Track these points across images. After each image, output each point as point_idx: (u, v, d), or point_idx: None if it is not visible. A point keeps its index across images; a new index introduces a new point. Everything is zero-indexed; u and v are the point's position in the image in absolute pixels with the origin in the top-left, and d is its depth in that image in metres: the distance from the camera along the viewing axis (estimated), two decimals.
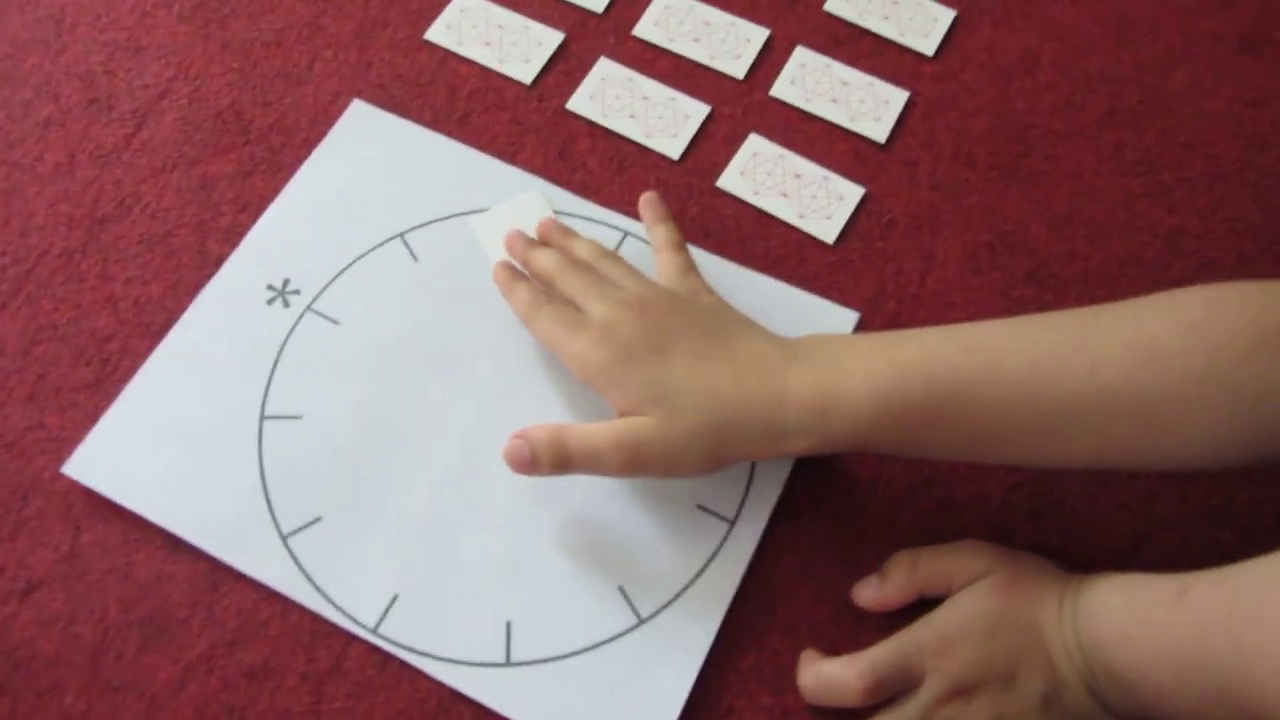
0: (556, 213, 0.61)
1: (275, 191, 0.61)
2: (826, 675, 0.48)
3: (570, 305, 0.52)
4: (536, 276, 0.55)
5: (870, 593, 0.51)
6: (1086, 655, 0.46)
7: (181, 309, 0.58)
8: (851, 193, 0.63)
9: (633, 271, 0.54)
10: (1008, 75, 0.68)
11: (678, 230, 0.57)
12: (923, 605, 0.51)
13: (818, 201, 0.62)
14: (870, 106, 0.66)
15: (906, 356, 0.47)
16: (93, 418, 0.54)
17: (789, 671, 0.50)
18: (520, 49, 0.67)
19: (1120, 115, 0.67)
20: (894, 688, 0.48)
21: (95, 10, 0.68)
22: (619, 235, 0.60)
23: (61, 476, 0.53)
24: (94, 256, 0.59)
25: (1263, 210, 0.64)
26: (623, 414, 0.48)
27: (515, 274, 0.56)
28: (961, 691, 0.47)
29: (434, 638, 0.50)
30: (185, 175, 0.62)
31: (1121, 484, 0.56)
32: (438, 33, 0.67)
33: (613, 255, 0.55)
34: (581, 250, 0.56)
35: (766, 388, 0.47)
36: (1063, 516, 0.55)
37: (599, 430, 0.48)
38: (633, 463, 0.48)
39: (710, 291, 0.54)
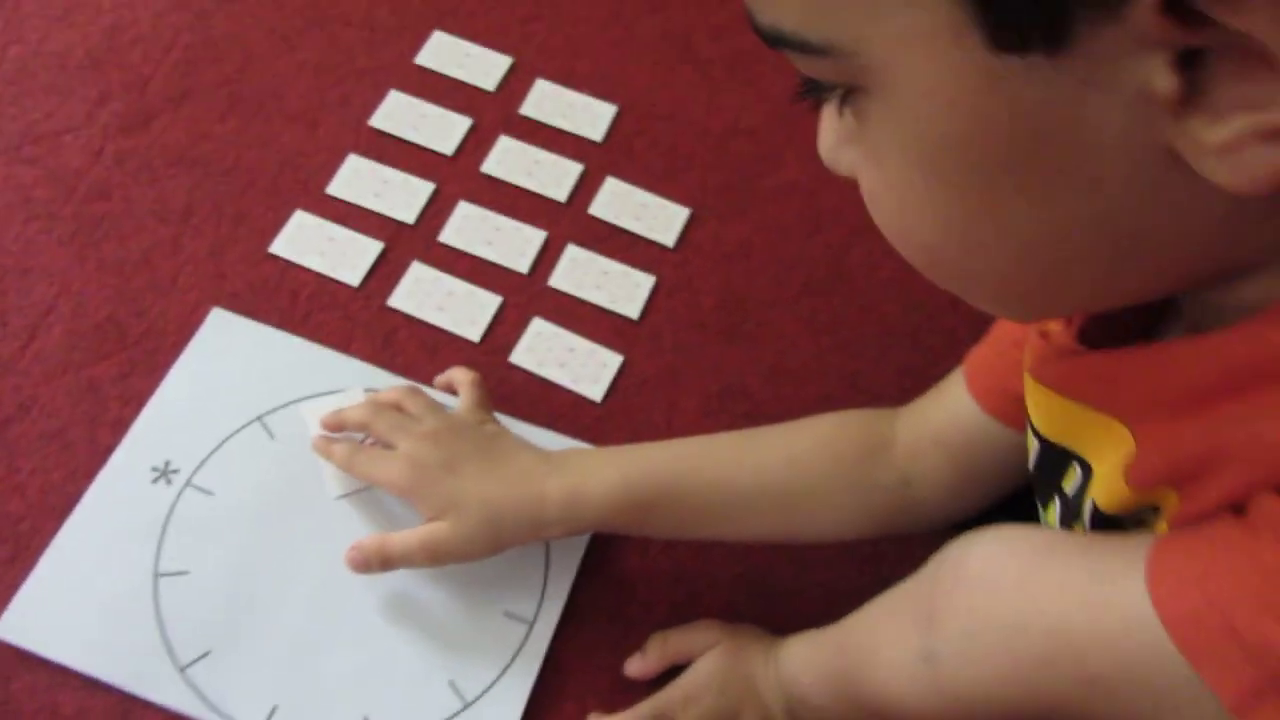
0: (369, 392, 0.78)
1: (153, 388, 0.76)
2: None
3: (377, 448, 0.70)
4: (352, 427, 0.73)
5: (636, 666, 0.70)
6: (785, 690, 0.65)
7: (80, 492, 0.72)
8: (613, 360, 0.83)
9: (432, 405, 0.73)
10: (730, 259, 0.90)
11: (472, 374, 0.76)
12: (675, 671, 0.69)
13: (587, 369, 0.82)
14: (626, 290, 0.86)
15: (632, 465, 0.68)
16: (12, 588, 0.68)
17: None
18: (348, 257, 0.84)
19: (814, 286, 0.90)
20: None
21: None
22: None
23: None
24: (1, 454, 0.73)
25: (920, 354, 0.88)
26: (429, 520, 0.67)
27: (328, 440, 0.73)
28: None
29: None
30: (74, 379, 0.76)
31: (817, 565, 0.76)
32: (280, 246, 0.84)
33: (414, 390, 0.74)
34: (387, 396, 0.74)
35: (531, 491, 0.67)
36: (774, 595, 0.75)
37: (409, 536, 0.67)
38: (435, 556, 0.67)
39: (494, 421, 0.74)
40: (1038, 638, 0.43)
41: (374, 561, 0.67)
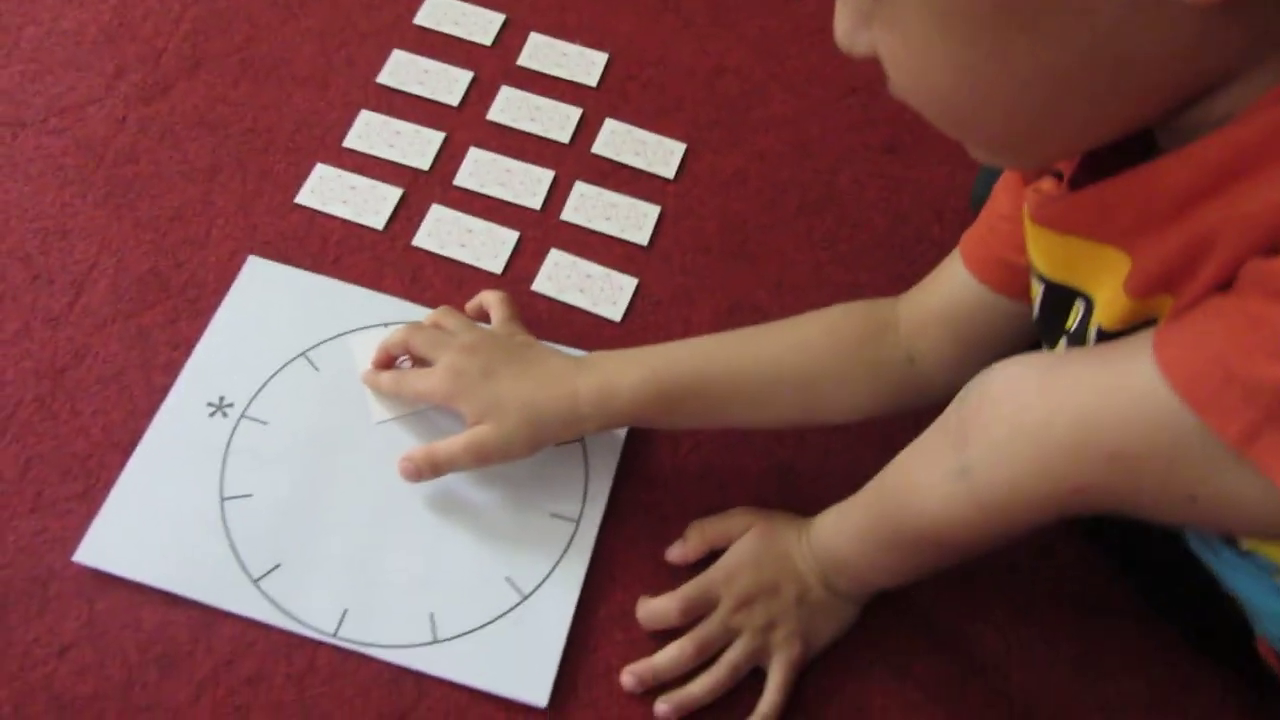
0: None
1: (200, 331, 0.80)
2: (654, 607, 0.72)
3: (418, 369, 0.76)
4: (394, 349, 0.78)
5: (677, 552, 0.75)
6: (818, 560, 0.71)
7: (141, 429, 0.76)
8: (628, 283, 0.88)
9: (466, 321, 0.78)
10: (727, 187, 0.95)
11: (500, 292, 0.81)
12: (713, 556, 0.75)
13: (605, 293, 0.87)
14: (634, 220, 0.91)
15: (657, 360, 0.73)
16: (88, 516, 0.72)
17: (631, 614, 0.73)
18: (371, 204, 0.89)
19: (808, 208, 0.95)
20: (700, 609, 0.71)
21: (23, 206, 0.85)
22: None
23: (72, 564, 0.70)
24: (62, 399, 0.77)
25: (909, 263, 0.93)
26: (471, 424, 0.72)
27: (374, 372, 0.78)
28: (744, 603, 0.71)
29: (378, 633, 0.70)
30: (124, 327, 0.80)
31: (837, 454, 0.82)
32: (305, 197, 0.89)
33: (448, 310, 0.79)
34: (426, 319, 0.79)
35: (564, 389, 0.72)
36: (798, 483, 0.80)
37: (454, 441, 0.72)
38: (479, 457, 0.72)
39: (524, 332, 0.79)
40: (1062, 430, 0.48)
41: (424, 468, 0.72)
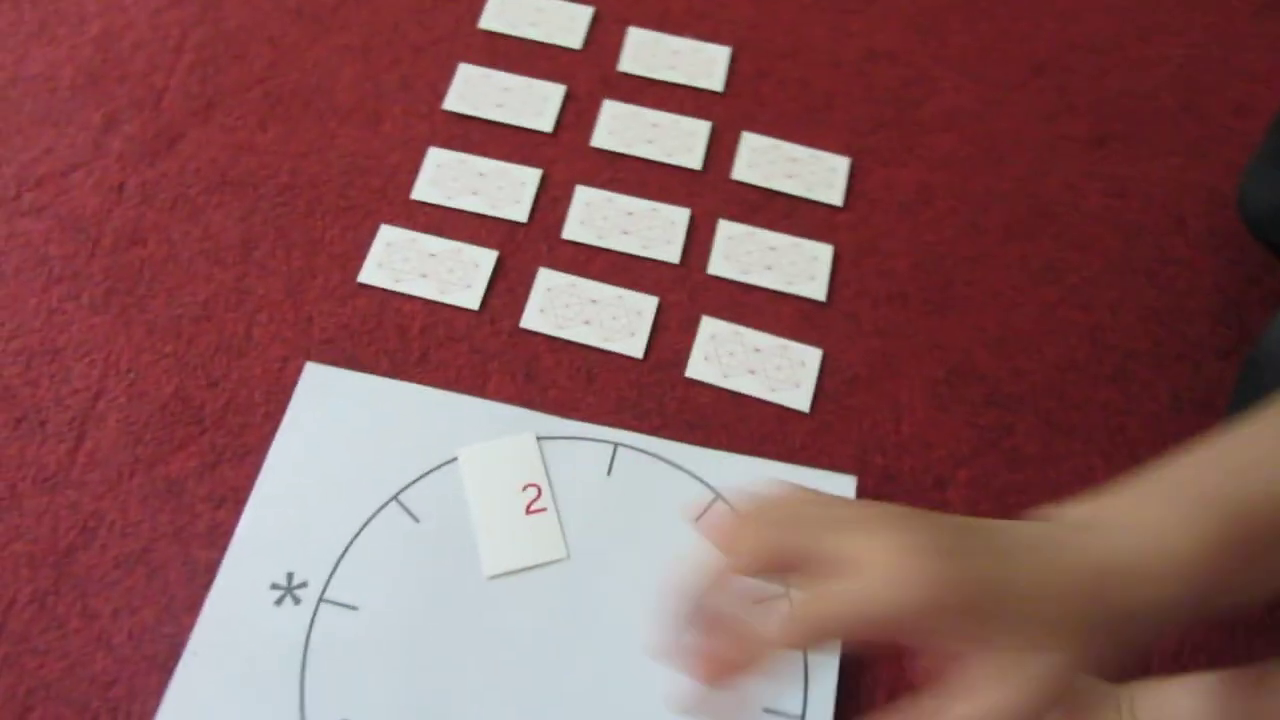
0: (540, 438, 0.61)
1: (249, 479, 0.59)
2: None
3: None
4: (758, 558, 0.40)
5: None
6: None
7: (184, 632, 0.54)
8: (811, 356, 0.66)
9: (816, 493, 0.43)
10: (912, 210, 0.73)
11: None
12: None
13: (783, 372, 0.65)
14: (802, 266, 0.69)
15: (1210, 487, 0.40)
16: None
17: None
18: (458, 274, 0.67)
19: (1017, 228, 0.73)
20: None
21: None
22: (610, 449, 0.61)
23: None
24: (69, 594, 0.55)
25: (1160, 294, 0.71)
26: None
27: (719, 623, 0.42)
28: None
29: None
30: (146, 480, 0.58)
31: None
32: (370, 273, 0.67)
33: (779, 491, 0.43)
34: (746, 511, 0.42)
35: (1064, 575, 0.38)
36: None
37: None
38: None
39: None
40: None
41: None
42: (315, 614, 0.55)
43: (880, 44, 0.81)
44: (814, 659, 0.55)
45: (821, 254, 0.70)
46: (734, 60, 0.79)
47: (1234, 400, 0.65)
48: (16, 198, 0.68)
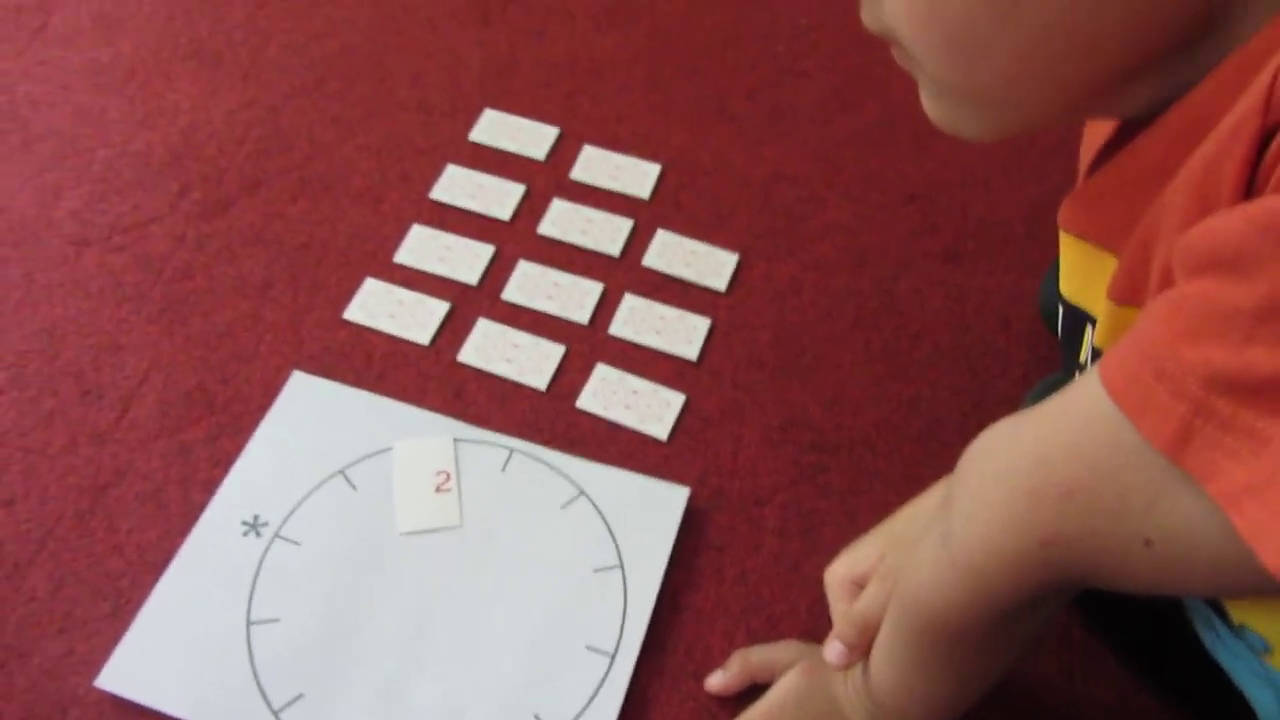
0: (456, 440, 0.81)
1: (240, 448, 0.80)
2: None
3: None
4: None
5: (717, 681, 0.70)
6: (867, 698, 0.65)
7: (175, 548, 0.75)
8: (676, 399, 0.85)
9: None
10: (781, 297, 0.92)
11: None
12: (756, 691, 0.70)
13: (652, 409, 0.84)
14: (683, 333, 0.89)
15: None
16: (114, 640, 0.70)
17: None
18: (417, 318, 0.88)
19: (865, 319, 0.92)
20: None
21: (80, 322, 0.87)
22: (506, 452, 0.81)
23: (94, 689, 0.68)
24: (101, 516, 0.76)
25: (972, 376, 0.89)
26: None
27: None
28: None
29: None
30: (167, 444, 0.80)
31: None
32: (353, 313, 0.89)
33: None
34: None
35: None
36: None
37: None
38: None
39: None
40: (1023, 472, 0.43)
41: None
42: (270, 545, 0.75)
43: (785, 169, 1.02)
44: (632, 603, 0.73)
45: (700, 325, 0.90)
46: (663, 175, 1.00)
47: None
48: (108, 238, 0.92)
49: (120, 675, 0.69)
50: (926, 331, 0.91)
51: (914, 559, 0.54)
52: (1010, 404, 0.86)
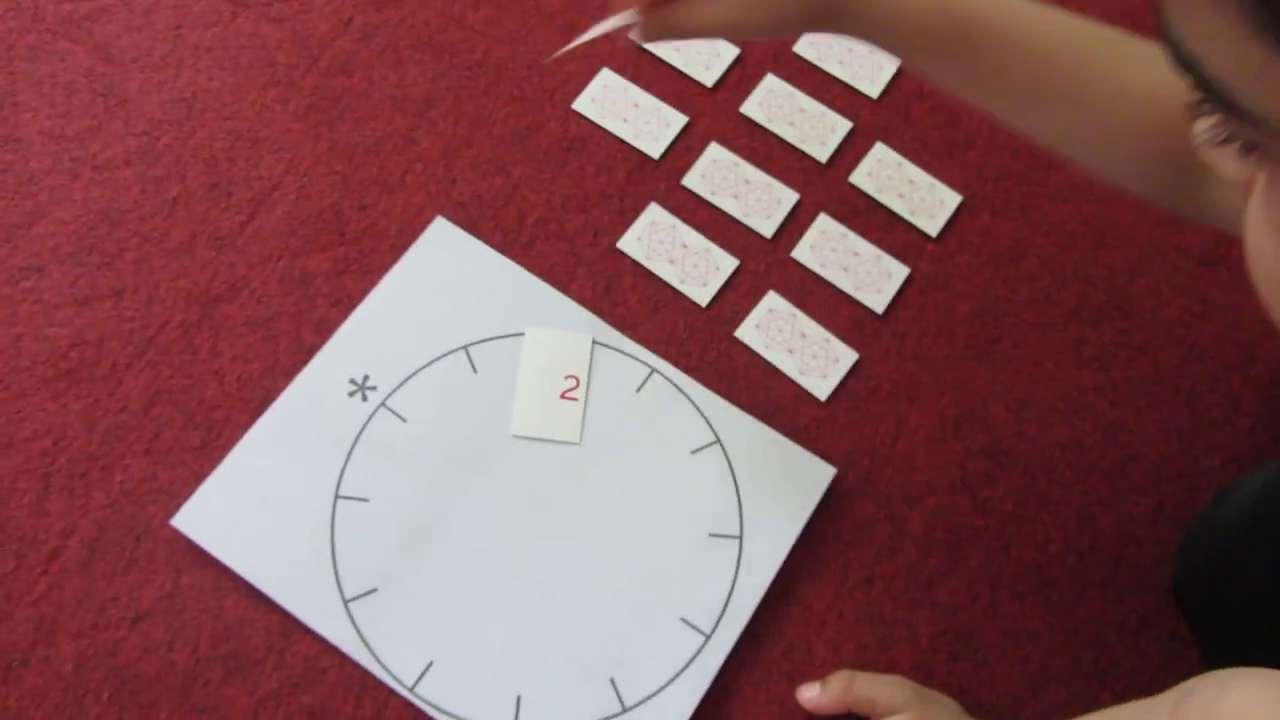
0: (596, 342, 0.72)
1: (363, 292, 0.72)
2: None
3: None
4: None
5: (811, 695, 0.64)
6: None
7: (277, 390, 0.69)
8: (847, 356, 0.74)
9: None
10: (997, 262, 0.79)
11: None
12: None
13: (817, 361, 0.74)
14: (875, 278, 0.77)
15: None
16: (198, 476, 0.66)
17: None
18: None
19: (1086, 313, 0.78)
20: None
21: (222, 99, 0.78)
22: (646, 371, 0.72)
23: (168, 525, 0.65)
24: (207, 332, 0.71)
25: (1191, 414, 0.76)
26: None
27: None
28: None
29: (459, 701, 0.62)
30: (289, 266, 0.73)
31: (1027, 642, 0.68)
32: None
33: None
34: None
35: None
36: (975, 662, 0.67)
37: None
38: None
39: None
40: None
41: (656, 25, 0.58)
42: (374, 413, 0.69)
43: None
44: (740, 586, 0.66)
45: (897, 272, 0.77)
46: (900, 74, 0.85)
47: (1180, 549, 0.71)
48: (269, 4, 0.81)
49: (196, 519, 0.65)
50: (1153, 345, 0.77)
51: None
52: (1226, 461, 0.74)
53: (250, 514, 0.65)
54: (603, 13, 0.60)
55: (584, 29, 0.83)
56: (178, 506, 0.65)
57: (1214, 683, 0.46)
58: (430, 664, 0.63)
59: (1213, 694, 0.46)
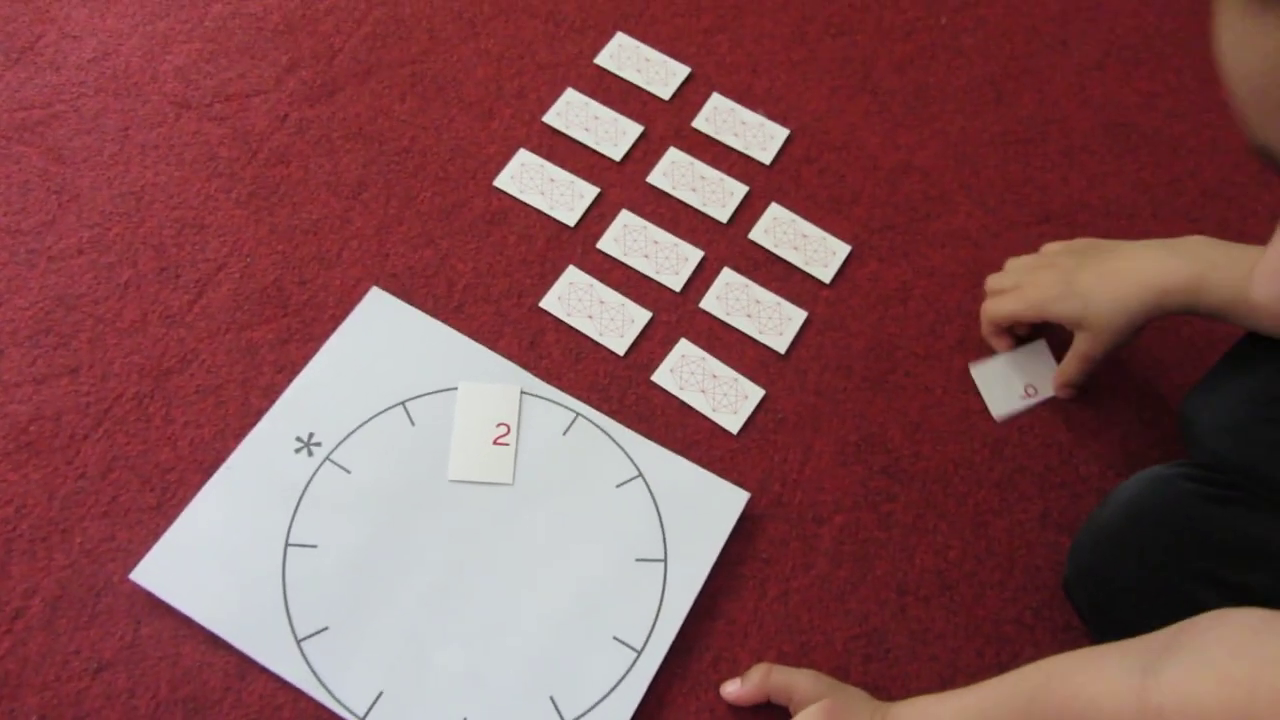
0: (523, 392, 0.78)
1: (306, 358, 0.78)
2: None
3: None
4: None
5: (731, 690, 0.69)
6: None
7: (228, 450, 0.74)
8: (754, 393, 0.81)
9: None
10: (886, 303, 0.87)
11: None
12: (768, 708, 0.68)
13: (728, 399, 0.81)
14: (776, 322, 0.85)
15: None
16: (155, 534, 0.70)
17: None
18: None
19: (968, 344, 0.86)
20: None
21: (169, 191, 0.84)
22: (571, 415, 0.78)
23: (128, 580, 0.69)
24: (160, 401, 0.76)
25: (1068, 429, 0.84)
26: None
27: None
28: None
29: None
30: (235, 338, 0.79)
31: (934, 640, 0.74)
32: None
33: None
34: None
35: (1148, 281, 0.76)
36: (888, 662, 0.73)
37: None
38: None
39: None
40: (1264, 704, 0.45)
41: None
42: (320, 467, 0.74)
43: (918, 159, 0.95)
44: (668, 604, 0.71)
45: (796, 317, 0.85)
46: (789, 141, 0.94)
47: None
48: (210, 105, 0.89)
49: (155, 572, 0.69)
50: None
51: (1092, 667, 0.55)
52: (1105, 469, 0.81)
53: (205, 565, 0.70)
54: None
55: (499, 118, 0.92)
56: (136, 563, 0.69)
57: (1211, 617, 0.52)
58: (380, 694, 0.67)
59: (1207, 624, 0.52)
